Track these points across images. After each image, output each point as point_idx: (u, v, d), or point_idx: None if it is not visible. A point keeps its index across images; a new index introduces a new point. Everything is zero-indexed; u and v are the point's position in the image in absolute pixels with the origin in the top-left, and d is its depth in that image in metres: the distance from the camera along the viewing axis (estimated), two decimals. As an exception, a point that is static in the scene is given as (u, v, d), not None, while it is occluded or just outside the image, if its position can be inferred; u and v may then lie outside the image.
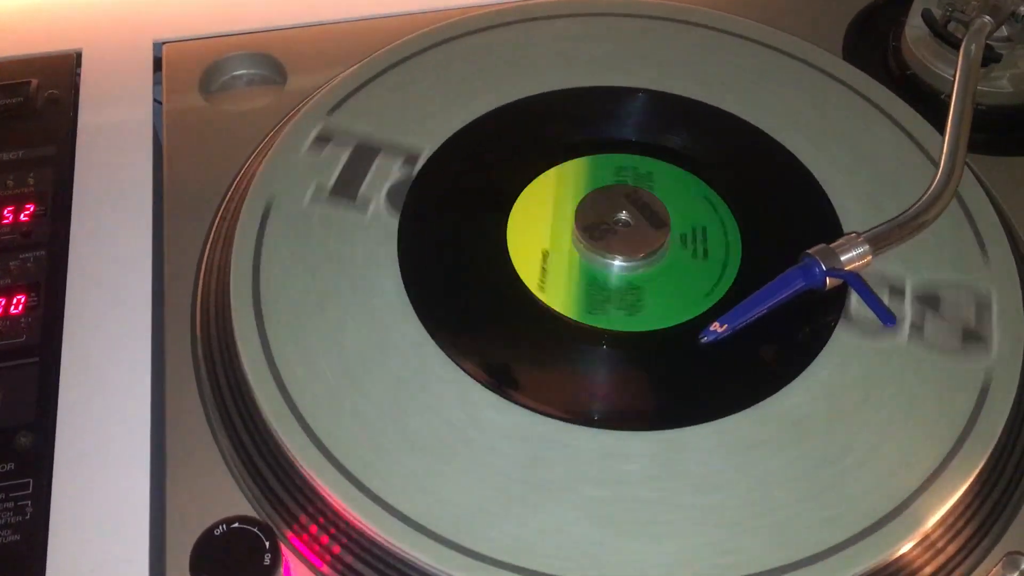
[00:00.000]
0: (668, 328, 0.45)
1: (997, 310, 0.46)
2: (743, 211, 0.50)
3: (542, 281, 0.47)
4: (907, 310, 0.46)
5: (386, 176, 0.50)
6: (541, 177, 0.51)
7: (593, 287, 0.47)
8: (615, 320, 0.46)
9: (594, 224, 0.48)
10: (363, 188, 0.50)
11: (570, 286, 0.47)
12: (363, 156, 0.51)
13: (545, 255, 0.48)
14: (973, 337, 0.45)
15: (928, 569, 0.40)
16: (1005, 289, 0.47)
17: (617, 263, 0.47)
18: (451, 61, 0.56)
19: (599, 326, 0.45)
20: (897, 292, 0.46)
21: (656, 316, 0.46)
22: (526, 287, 0.47)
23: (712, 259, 0.48)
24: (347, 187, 0.50)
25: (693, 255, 0.48)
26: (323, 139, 0.51)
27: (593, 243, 0.47)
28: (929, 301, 0.46)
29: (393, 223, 0.49)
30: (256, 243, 0.47)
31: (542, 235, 0.49)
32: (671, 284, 0.47)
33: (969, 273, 0.47)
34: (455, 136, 0.52)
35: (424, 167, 0.51)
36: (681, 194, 0.51)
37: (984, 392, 0.43)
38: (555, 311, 0.46)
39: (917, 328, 0.45)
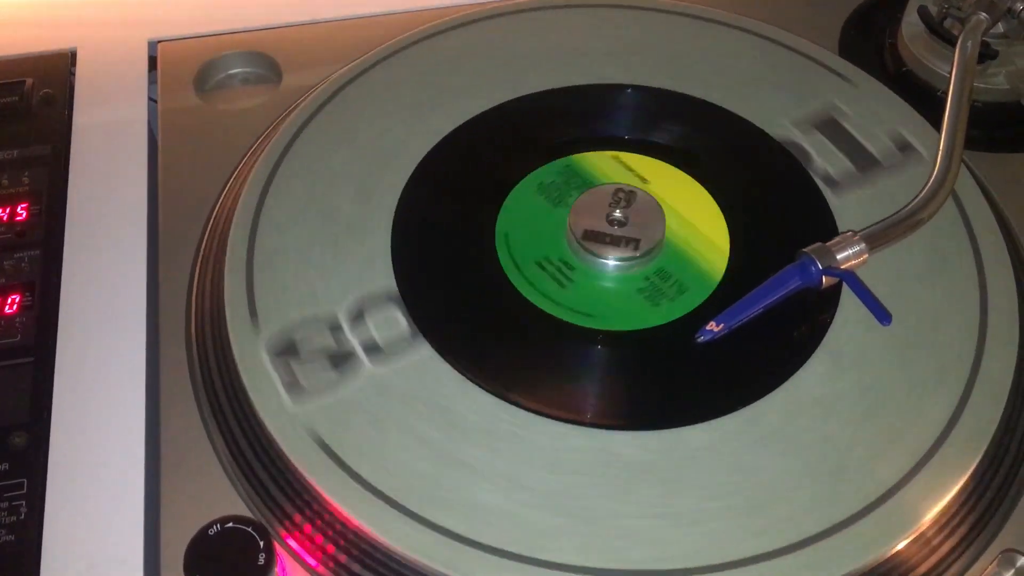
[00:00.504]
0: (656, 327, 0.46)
1: (992, 306, 0.46)
2: (737, 208, 0.50)
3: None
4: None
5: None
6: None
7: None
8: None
9: (588, 221, 0.48)
10: None
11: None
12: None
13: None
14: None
15: (923, 566, 0.40)
16: (1001, 287, 0.46)
17: (611, 261, 0.47)
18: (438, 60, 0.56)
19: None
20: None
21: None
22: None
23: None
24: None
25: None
26: None
27: (586, 240, 0.47)
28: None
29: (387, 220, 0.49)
30: (251, 242, 0.47)
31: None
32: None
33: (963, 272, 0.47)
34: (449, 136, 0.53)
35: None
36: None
37: (978, 390, 0.43)
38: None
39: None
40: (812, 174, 0.51)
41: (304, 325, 0.44)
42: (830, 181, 0.51)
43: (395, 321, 0.45)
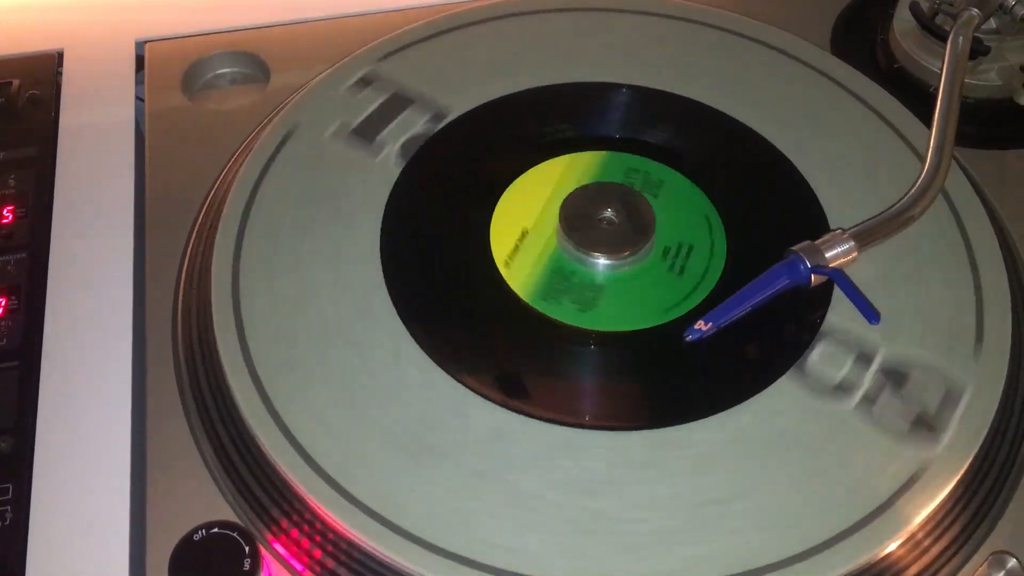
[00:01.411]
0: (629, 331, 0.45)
1: (988, 312, 0.45)
2: (727, 206, 0.50)
3: (511, 258, 0.47)
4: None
5: (407, 128, 0.52)
6: (543, 165, 0.51)
7: (556, 275, 0.47)
8: (566, 312, 0.46)
9: (577, 216, 0.48)
10: (383, 134, 0.51)
11: (535, 269, 0.47)
12: (395, 105, 0.53)
13: (524, 234, 0.48)
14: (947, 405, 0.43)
15: (914, 568, 0.40)
16: (992, 286, 0.46)
17: (589, 258, 0.47)
18: (505, 36, 0.56)
19: (547, 314, 0.45)
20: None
21: (606, 318, 0.46)
22: (497, 269, 0.47)
23: (687, 277, 0.47)
24: (370, 129, 0.52)
25: (670, 268, 0.47)
26: (365, 82, 0.53)
27: (571, 234, 0.47)
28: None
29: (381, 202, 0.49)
30: (238, 244, 0.47)
31: (529, 215, 0.49)
32: (634, 291, 0.47)
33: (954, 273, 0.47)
34: (484, 106, 0.53)
35: (445, 127, 0.52)
36: (681, 206, 0.50)
37: (970, 392, 0.43)
38: (517, 295, 0.46)
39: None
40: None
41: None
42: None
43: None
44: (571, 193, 0.49)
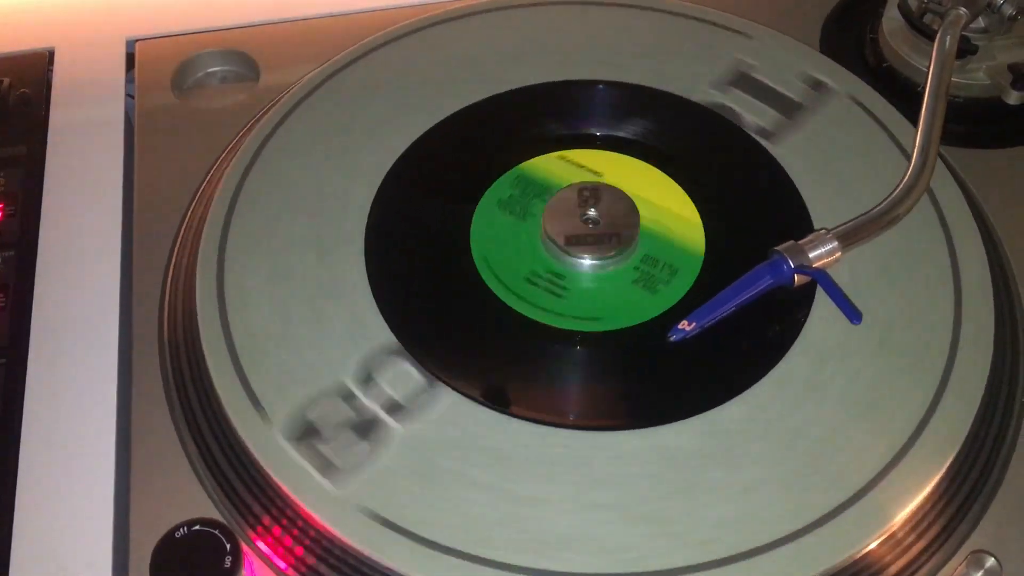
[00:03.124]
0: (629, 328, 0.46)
1: (967, 304, 0.45)
2: (711, 204, 0.50)
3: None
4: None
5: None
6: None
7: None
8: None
9: (564, 227, 0.48)
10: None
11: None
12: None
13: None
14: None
15: (894, 567, 0.40)
16: (976, 285, 0.46)
17: (598, 261, 0.47)
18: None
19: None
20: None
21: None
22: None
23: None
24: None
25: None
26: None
27: (569, 246, 0.47)
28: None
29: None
30: (224, 244, 0.47)
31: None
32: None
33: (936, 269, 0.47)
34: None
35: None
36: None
37: (952, 391, 0.43)
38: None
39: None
40: (747, 130, 0.52)
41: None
42: (764, 133, 0.52)
43: (406, 375, 0.44)
44: (547, 204, 0.49)
